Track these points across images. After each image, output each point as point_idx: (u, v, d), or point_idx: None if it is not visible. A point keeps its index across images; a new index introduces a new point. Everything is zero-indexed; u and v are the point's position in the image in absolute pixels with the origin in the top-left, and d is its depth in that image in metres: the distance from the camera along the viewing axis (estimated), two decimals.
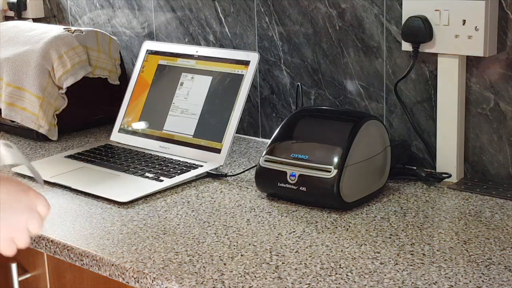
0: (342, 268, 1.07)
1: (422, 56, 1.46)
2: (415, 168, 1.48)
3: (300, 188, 1.30)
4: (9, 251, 0.95)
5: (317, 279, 1.04)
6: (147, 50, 1.76)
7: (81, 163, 1.58)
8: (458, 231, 1.20)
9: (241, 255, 1.13)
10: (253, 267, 1.08)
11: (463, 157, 1.46)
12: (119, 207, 1.34)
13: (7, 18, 2.26)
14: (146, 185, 1.42)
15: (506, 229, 1.20)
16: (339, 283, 1.02)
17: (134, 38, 2.01)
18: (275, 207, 1.32)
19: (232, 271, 1.07)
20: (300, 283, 1.03)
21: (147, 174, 1.48)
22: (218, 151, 1.55)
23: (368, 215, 1.27)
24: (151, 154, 1.61)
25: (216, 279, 1.04)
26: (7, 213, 0.94)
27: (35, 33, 1.84)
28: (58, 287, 1.32)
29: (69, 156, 1.62)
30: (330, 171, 1.27)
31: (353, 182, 1.29)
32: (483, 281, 1.02)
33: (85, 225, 1.26)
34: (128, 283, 1.10)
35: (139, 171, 1.50)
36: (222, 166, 1.53)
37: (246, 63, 1.58)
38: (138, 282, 1.08)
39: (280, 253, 1.13)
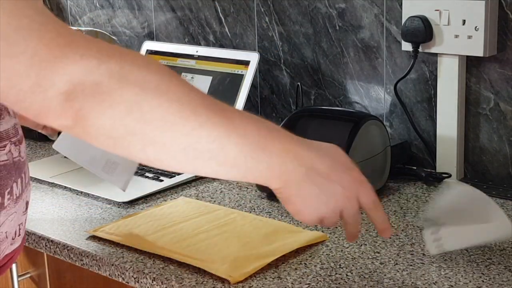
0: (342, 268, 1.07)
1: (422, 56, 1.46)
2: (415, 168, 1.48)
3: None
4: (312, 224, 0.85)
5: (317, 279, 1.04)
6: (147, 50, 1.76)
7: None
8: None
9: None
10: None
11: (463, 157, 1.46)
12: (119, 207, 1.34)
13: None
14: (146, 185, 1.42)
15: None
16: (339, 283, 1.02)
17: (134, 38, 2.01)
18: (275, 207, 1.32)
19: None
20: (300, 283, 1.02)
21: (147, 174, 1.48)
22: None
23: None
24: None
25: (216, 279, 1.04)
26: (325, 190, 0.82)
27: None
28: (58, 287, 1.32)
29: None
30: None
31: None
32: (483, 281, 1.02)
33: (85, 225, 1.26)
34: (128, 283, 1.10)
35: (139, 171, 1.50)
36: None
37: (246, 63, 1.58)
38: (138, 282, 1.08)
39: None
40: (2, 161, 0.92)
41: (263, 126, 0.79)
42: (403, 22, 1.43)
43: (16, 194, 0.95)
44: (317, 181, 0.81)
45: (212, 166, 0.76)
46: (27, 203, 1.00)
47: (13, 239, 0.98)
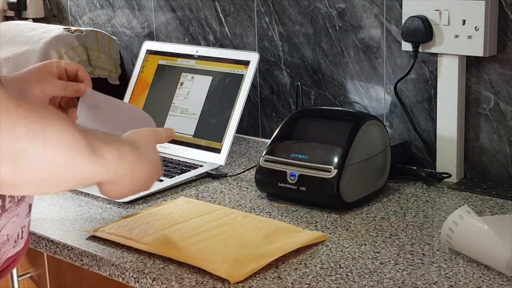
0: (342, 268, 1.07)
1: (422, 56, 1.46)
2: (415, 168, 1.48)
3: (300, 188, 1.30)
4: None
5: (317, 279, 1.04)
6: (147, 50, 1.76)
7: None
8: None
9: None
10: None
11: (463, 157, 1.46)
12: (119, 207, 1.34)
13: (7, 18, 2.26)
14: None
15: None
16: (339, 283, 1.02)
17: (134, 38, 2.01)
18: (275, 207, 1.32)
19: None
20: (300, 283, 1.02)
21: None
22: (218, 151, 1.55)
23: (368, 215, 1.27)
24: None
25: (216, 279, 1.04)
26: (141, 186, 0.98)
27: (35, 33, 1.84)
28: (58, 287, 1.32)
29: None
30: (330, 171, 1.27)
31: (353, 182, 1.29)
32: (483, 281, 1.02)
33: (85, 225, 1.26)
34: (128, 283, 1.10)
35: None
36: (222, 166, 1.53)
37: (246, 63, 1.58)
38: (138, 282, 1.08)
39: None
40: None
41: (118, 151, 0.90)
42: (403, 22, 1.43)
43: (18, 197, 0.95)
44: (137, 182, 0.96)
45: (77, 188, 0.93)
46: (30, 205, 1.00)
47: (15, 241, 0.98)
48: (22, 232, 0.99)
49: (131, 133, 0.99)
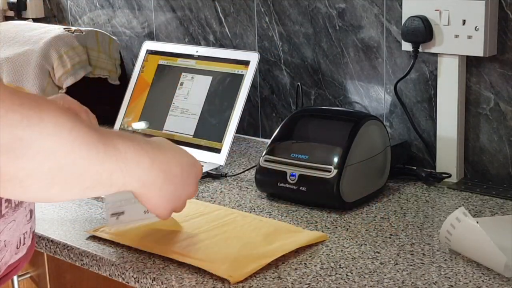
0: (342, 268, 1.07)
1: (422, 56, 1.46)
2: (415, 168, 1.48)
3: (300, 188, 1.30)
4: (167, 217, 1.00)
5: (317, 279, 1.04)
6: (147, 50, 1.76)
7: None
8: None
9: None
10: None
11: (463, 157, 1.46)
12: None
13: (7, 18, 2.26)
14: None
15: None
16: (339, 283, 1.02)
17: (134, 38, 2.01)
18: (275, 207, 1.32)
19: None
20: (300, 283, 1.02)
21: None
22: (218, 151, 1.55)
23: (368, 215, 1.27)
24: None
25: (216, 279, 1.04)
26: (179, 186, 0.96)
27: (35, 33, 1.84)
28: (58, 287, 1.32)
29: None
30: (330, 171, 1.27)
31: (353, 182, 1.29)
32: (483, 281, 1.02)
33: (85, 225, 1.26)
34: (128, 283, 1.10)
35: None
36: (222, 166, 1.53)
37: (246, 63, 1.58)
38: (138, 282, 1.08)
39: None
40: None
41: (133, 142, 0.86)
42: (403, 22, 1.43)
43: (14, 202, 0.93)
44: (173, 182, 0.95)
45: (98, 191, 0.83)
46: (31, 211, 0.98)
47: (17, 248, 0.96)
48: (24, 238, 0.97)
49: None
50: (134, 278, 1.08)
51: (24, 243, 0.98)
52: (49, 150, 0.74)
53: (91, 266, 1.15)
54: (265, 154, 1.36)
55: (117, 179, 0.84)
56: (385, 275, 1.04)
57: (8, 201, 0.92)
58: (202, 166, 1.06)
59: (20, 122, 0.72)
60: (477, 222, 1.10)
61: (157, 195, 0.93)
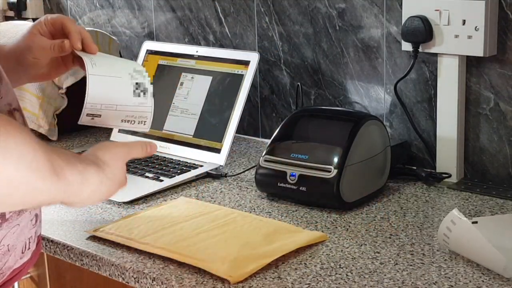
0: (342, 268, 1.07)
1: (422, 56, 1.46)
2: (415, 168, 1.48)
3: (300, 188, 1.30)
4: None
5: (317, 279, 1.04)
6: (147, 50, 1.76)
7: None
8: None
9: None
10: None
11: (463, 157, 1.46)
12: (119, 207, 1.34)
13: (7, 18, 2.26)
14: (146, 185, 1.42)
15: None
16: (339, 283, 1.02)
17: (134, 38, 2.01)
18: (275, 207, 1.32)
19: None
20: (300, 283, 1.02)
21: (147, 174, 1.48)
22: (218, 151, 1.55)
23: (368, 215, 1.27)
24: None
25: (216, 279, 1.04)
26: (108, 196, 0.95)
27: None
28: (58, 287, 1.32)
29: None
30: (330, 171, 1.27)
31: (353, 182, 1.29)
32: (483, 281, 1.02)
33: (85, 225, 1.26)
34: (128, 283, 1.10)
35: (139, 171, 1.50)
36: (222, 166, 1.53)
37: (246, 63, 1.58)
38: (138, 282, 1.08)
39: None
40: None
41: (79, 175, 0.86)
42: (403, 22, 1.43)
43: None
44: (104, 195, 0.93)
45: (35, 207, 0.87)
46: (36, 216, 0.97)
47: (22, 253, 0.95)
48: (29, 243, 0.97)
49: (100, 149, 0.94)
50: (134, 278, 1.08)
51: (29, 248, 0.97)
52: (6, 179, 0.75)
53: (91, 266, 1.15)
54: (265, 154, 1.36)
55: (56, 201, 0.85)
56: (385, 275, 1.04)
57: None
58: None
59: None
60: (477, 222, 1.10)
61: (76, 207, 0.95)
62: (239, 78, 1.58)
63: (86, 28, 1.86)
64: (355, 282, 1.03)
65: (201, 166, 1.52)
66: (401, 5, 1.46)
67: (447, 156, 1.45)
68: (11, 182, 0.75)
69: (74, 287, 1.29)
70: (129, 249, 1.15)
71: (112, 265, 1.11)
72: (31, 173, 0.77)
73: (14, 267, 0.95)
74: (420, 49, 1.43)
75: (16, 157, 0.75)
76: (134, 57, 2.00)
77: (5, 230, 0.91)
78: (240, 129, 1.76)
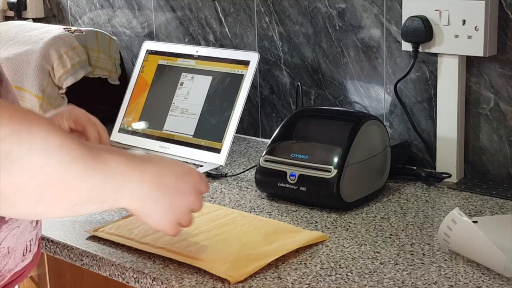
0: (342, 268, 1.07)
1: (422, 56, 1.46)
2: (415, 168, 1.48)
3: (300, 188, 1.30)
4: (175, 233, 0.97)
5: (317, 279, 1.04)
6: (147, 50, 1.76)
7: None
8: None
9: None
10: None
11: (463, 157, 1.46)
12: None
13: (7, 18, 2.26)
14: None
15: None
16: (339, 283, 1.02)
17: (134, 38, 2.01)
18: (275, 207, 1.32)
19: None
20: (300, 283, 1.02)
21: None
22: (218, 151, 1.55)
23: (368, 215, 1.27)
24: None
25: (216, 279, 1.04)
26: (176, 196, 0.93)
27: (35, 33, 1.84)
28: (58, 287, 1.32)
29: None
30: (330, 171, 1.27)
31: (353, 182, 1.29)
32: (483, 281, 1.02)
33: (85, 225, 1.26)
34: (128, 283, 1.10)
35: None
36: (222, 166, 1.53)
37: (246, 63, 1.58)
38: (138, 282, 1.08)
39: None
40: None
41: (121, 156, 0.84)
42: (403, 22, 1.43)
43: None
44: (168, 193, 0.91)
45: (88, 208, 0.82)
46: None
47: (23, 255, 0.95)
48: (30, 245, 0.96)
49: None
50: (134, 278, 1.08)
51: (30, 250, 0.97)
52: (37, 166, 0.73)
53: (91, 266, 1.15)
54: (265, 154, 1.36)
55: (107, 195, 0.82)
56: (385, 275, 1.04)
57: None
58: (204, 175, 1.03)
59: (9, 136, 0.71)
60: (477, 221, 1.10)
61: (154, 209, 0.91)
62: (239, 78, 1.58)
63: (86, 28, 1.86)
64: (355, 282, 1.03)
65: (201, 166, 1.52)
66: (401, 5, 1.46)
67: (447, 156, 1.45)
68: (44, 168, 0.73)
69: (74, 287, 1.29)
70: (129, 249, 1.15)
71: (112, 265, 1.11)
72: (62, 157, 0.74)
73: (15, 270, 0.94)
74: (420, 49, 1.43)
75: (44, 142, 0.73)
76: (134, 57, 2.00)
77: (5, 232, 0.90)
78: (240, 129, 1.76)
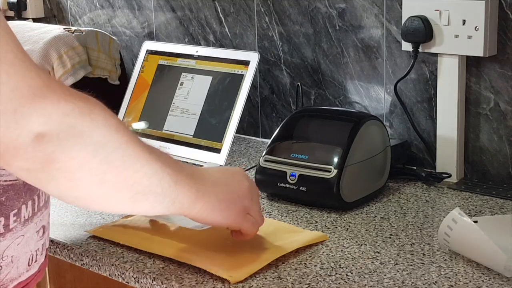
0: (342, 268, 1.07)
1: (422, 56, 1.47)
2: (415, 168, 1.48)
3: (300, 188, 1.30)
4: (251, 231, 1.05)
5: (317, 279, 1.04)
6: (147, 50, 1.76)
7: None
8: None
9: None
10: None
11: (463, 157, 1.46)
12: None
13: (7, 18, 2.25)
14: None
15: None
16: (339, 283, 1.02)
17: (134, 38, 2.01)
18: (275, 207, 1.32)
19: None
20: (300, 283, 1.02)
21: None
22: (218, 151, 1.55)
23: (368, 215, 1.27)
24: None
25: (216, 279, 1.04)
26: (232, 190, 0.99)
27: (35, 33, 1.84)
28: (58, 287, 1.32)
29: None
30: (330, 171, 1.27)
31: (353, 182, 1.29)
32: (483, 281, 1.02)
33: (85, 225, 1.26)
34: (128, 283, 1.10)
35: None
36: (222, 166, 1.53)
37: (246, 63, 1.58)
38: (138, 282, 1.08)
39: None
40: (10, 180, 0.88)
41: (181, 165, 0.89)
42: (403, 22, 1.43)
43: (24, 217, 0.91)
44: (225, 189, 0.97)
45: (150, 200, 0.83)
46: (43, 227, 0.96)
47: (28, 265, 0.93)
48: (36, 255, 0.95)
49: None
50: (134, 278, 1.08)
51: (36, 260, 0.95)
52: (100, 142, 0.75)
53: (91, 266, 1.15)
54: (265, 154, 1.36)
55: (168, 187, 0.83)
56: (385, 275, 1.04)
57: (17, 215, 0.90)
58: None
59: (72, 110, 0.73)
60: (477, 221, 1.10)
61: (216, 201, 0.95)
62: (239, 78, 1.58)
63: (86, 28, 1.86)
64: (355, 282, 1.03)
65: (201, 166, 1.52)
66: (401, 5, 1.46)
67: (447, 156, 1.45)
68: (104, 144, 0.75)
69: (74, 287, 1.29)
70: (129, 249, 1.15)
71: (112, 265, 1.11)
72: (121, 136, 0.78)
73: (20, 280, 0.93)
74: (420, 49, 1.43)
75: (103, 119, 0.76)
76: (134, 57, 2.00)
77: (9, 240, 0.89)
78: (240, 129, 1.76)
